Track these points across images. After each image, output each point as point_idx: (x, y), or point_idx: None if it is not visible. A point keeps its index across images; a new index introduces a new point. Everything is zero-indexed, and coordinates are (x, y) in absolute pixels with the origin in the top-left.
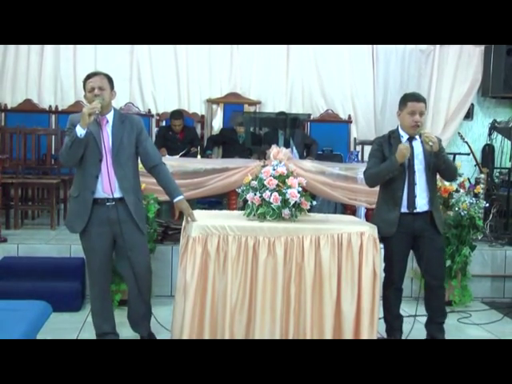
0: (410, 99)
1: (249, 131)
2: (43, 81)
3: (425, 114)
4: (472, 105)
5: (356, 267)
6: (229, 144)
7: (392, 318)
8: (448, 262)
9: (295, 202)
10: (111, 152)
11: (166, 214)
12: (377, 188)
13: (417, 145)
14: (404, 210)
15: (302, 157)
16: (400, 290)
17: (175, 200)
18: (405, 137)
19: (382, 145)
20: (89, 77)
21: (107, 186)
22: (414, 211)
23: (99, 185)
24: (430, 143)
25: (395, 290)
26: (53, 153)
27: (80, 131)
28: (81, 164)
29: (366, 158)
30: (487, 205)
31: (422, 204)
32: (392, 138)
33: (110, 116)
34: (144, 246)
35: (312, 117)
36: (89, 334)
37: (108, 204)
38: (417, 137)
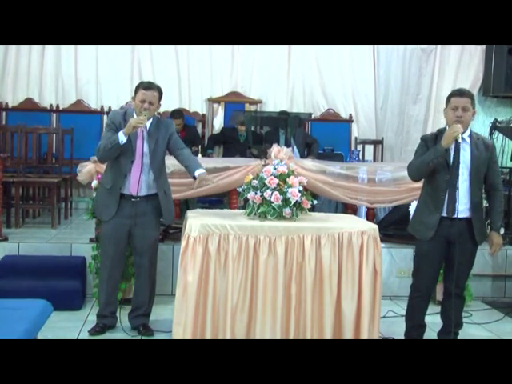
0: (453, 94)
1: (250, 130)
2: (44, 80)
3: (470, 110)
4: None
5: (356, 266)
6: (230, 143)
7: (411, 325)
8: None
9: (296, 201)
10: (148, 154)
11: None
12: (378, 188)
13: (464, 147)
14: (444, 214)
15: (302, 156)
16: (426, 299)
17: (197, 173)
18: None
19: (428, 143)
20: (144, 87)
21: (134, 185)
22: (453, 216)
23: (127, 183)
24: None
25: (420, 298)
26: (53, 151)
27: (122, 138)
28: (115, 161)
29: (366, 157)
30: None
31: (461, 210)
32: (439, 137)
33: (148, 123)
34: (151, 239)
35: (313, 116)
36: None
37: (133, 200)
38: (466, 138)
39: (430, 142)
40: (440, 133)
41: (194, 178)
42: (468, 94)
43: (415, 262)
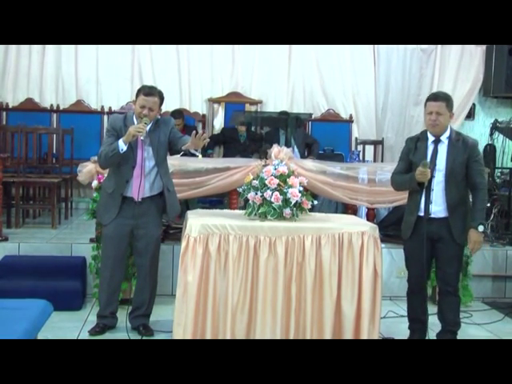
0: (429, 99)
1: (250, 130)
2: (45, 80)
3: (445, 115)
4: (473, 104)
5: (357, 267)
6: (230, 143)
7: (409, 320)
8: None
9: (296, 201)
10: (152, 157)
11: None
12: (378, 188)
13: (442, 149)
14: (421, 213)
15: (303, 156)
16: (419, 295)
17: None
18: (430, 138)
19: (409, 147)
20: (145, 93)
21: (136, 190)
22: (429, 217)
23: (129, 188)
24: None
25: (413, 293)
26: (54, 152)
27: (122, 146)
28: (116, 167)
29: (367, 157)
30: (488, 205)
31: (437, 210)
32: (420, 140)
33: (147, 126)
34: (153, 238)
35: (313, 116)
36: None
37: (135, 201)
38: (444, 140)
39: (411, 144)
40: (421, 134)
41: (194, 155)
42: (443, 98)
43: (405, 259)
